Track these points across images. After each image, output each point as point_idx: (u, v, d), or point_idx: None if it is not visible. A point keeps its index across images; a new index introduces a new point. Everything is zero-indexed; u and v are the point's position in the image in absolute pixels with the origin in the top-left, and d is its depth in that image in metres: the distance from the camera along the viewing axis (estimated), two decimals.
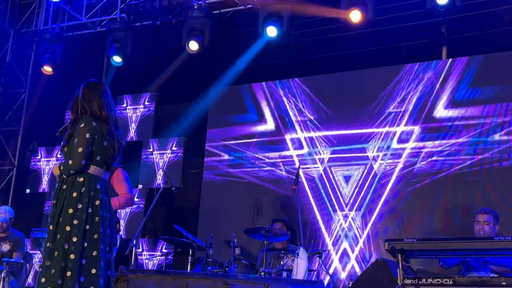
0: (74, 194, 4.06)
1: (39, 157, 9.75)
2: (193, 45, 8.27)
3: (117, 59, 8.74)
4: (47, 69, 9.24)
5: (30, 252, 7.82)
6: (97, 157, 4.17)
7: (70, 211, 4.03)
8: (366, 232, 7.74)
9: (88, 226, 4.04)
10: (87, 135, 4.10)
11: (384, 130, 7.91)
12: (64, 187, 4.11)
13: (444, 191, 7.42)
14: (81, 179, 4.11)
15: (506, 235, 4.34)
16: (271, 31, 7.92)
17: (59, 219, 4.04)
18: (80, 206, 4.04)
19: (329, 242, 7.90)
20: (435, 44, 8.07)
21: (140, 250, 8.60)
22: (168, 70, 9.02)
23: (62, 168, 4.14)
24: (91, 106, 4.22)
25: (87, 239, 4.03)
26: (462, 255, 5.01)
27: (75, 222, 4.01)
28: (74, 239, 3.97)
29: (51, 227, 4.06)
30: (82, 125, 4.13)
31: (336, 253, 7.83)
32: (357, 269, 7.59)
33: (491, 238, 4.55)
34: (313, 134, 8.34)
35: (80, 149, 4.08)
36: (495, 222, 5.46)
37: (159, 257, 8.53)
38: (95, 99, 4.26)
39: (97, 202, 4.11)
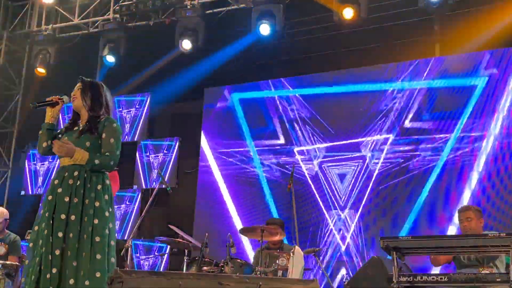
0: (99, 187, 3.90)
1: (33, 159, 9.73)
2: (186, 44, 8.26)
3: (110, 58, 8.74)
4: (40, 70, 9.24)
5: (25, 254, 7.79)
6: None
7: (97, 203, 3.87)
8: (362, 230, 7.74)
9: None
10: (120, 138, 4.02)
11: (378, 137, 7.94)
12: (87, 176, 3.89)
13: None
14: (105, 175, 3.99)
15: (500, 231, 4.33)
16: (264, 29, 7.91)
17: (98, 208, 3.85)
18: (106, 197, 3.95)
19: (325, 240, 7.90)
20: (428, 42, 8.08)
21: (135, 250, 8.59)
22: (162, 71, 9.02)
23: (98, 162, 3.86)
24: (110, 110, 4.15)
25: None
26: (457, 252, 4.99)
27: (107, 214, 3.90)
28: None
29: (72, 217, 3.84)
30: (115, 125, 4.00)
31: (332, 251, 7.84)
32: (353, 266, 7.59)
33: (485, 235, 4.51)
34: (306, 131, 8.34)
35: (118, 152, 3.96)
36: (477, 216, 5.29)
37: (155, 257, 8.52)
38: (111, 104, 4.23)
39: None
